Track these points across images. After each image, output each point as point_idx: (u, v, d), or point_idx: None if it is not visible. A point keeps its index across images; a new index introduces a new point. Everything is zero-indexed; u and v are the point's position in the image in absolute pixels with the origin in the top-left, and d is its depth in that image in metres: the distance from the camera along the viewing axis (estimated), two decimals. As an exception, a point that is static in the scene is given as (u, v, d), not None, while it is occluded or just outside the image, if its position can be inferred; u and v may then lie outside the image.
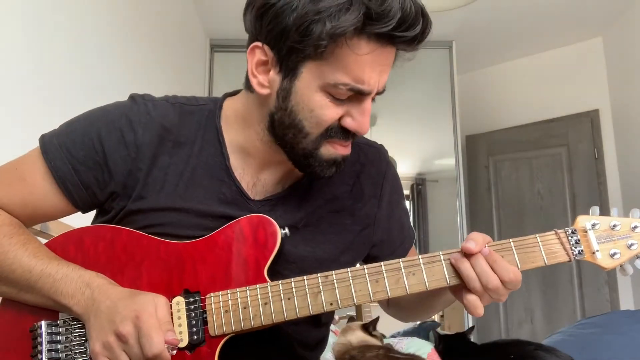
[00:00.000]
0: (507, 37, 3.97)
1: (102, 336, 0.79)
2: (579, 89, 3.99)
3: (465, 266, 0.81)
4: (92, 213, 1.01)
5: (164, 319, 0.80)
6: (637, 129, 3.53)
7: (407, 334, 2.71)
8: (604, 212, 0.87)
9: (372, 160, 1.06)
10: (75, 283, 0.84)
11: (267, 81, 0.87)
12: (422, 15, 0.81)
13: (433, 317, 3.88)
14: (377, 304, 1.10)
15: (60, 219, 1.01)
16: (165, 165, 0.93)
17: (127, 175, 0.92)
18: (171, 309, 0.85)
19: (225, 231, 0.89)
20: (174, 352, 0.80)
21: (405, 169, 4.18)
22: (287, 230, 0.88)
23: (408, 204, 4.20)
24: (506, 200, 4.10)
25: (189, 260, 0.88)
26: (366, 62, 0.82)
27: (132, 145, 0.92)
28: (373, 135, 3.94)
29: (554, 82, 4.09)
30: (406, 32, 0.80)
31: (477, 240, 0.81)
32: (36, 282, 0.86)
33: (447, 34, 3.84)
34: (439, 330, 2.50)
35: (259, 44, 0.86)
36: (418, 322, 3.39)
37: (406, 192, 4.22)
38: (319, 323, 1.03)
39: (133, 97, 0.97)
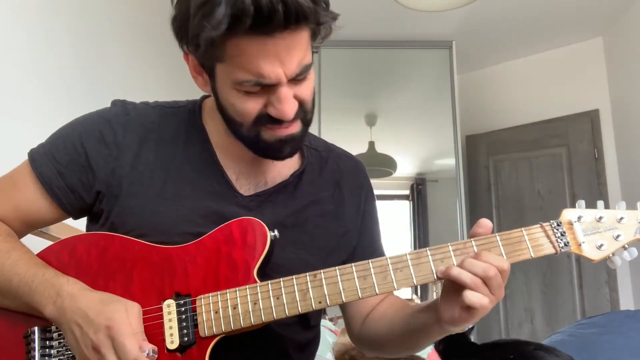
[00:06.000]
0: (507, 37, 3.96)
1: (80, 348, 0.80)
2: (579, 89, 3.98)
3: (454, 269, 0.81)
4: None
5: (137, 328, 0.81)
6: (637, 129, 3.52)
7: (406, 334, 2.70)
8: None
9: (350, 171, 1.09)
10: (48, 292, 0.85)
11: (205, 80, 0.92)
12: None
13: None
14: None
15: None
16: (150, 162, 0.95)
17: (110, 174, 0.94)
18: (162, 311, 0.85)
19: (215, 234, 0.90)
20: (155, 355, 0.81)
21: (405, 169, 4.18)
22: (276, 232, 0.89)
23: (408, 204, 4.19)
24: (506, 200, 4.08)
25: (180, 263, 0.89)
26: (258, 56, 0.80)
27: (112, 145, 0.95)
28: (373, 135, 3.97)
29: (554, 82, 4.08)
30: (270, 23, 0.76)
31: (486, 226, 0.84)
32: (17, 291, 0.87)
33: (447, 34, 3.83)
34: (438, 330, 2.49)
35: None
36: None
37: (406, 192, 4.21)
38: (308, 324, 1.04)
39: (113, 102, 1.01)
